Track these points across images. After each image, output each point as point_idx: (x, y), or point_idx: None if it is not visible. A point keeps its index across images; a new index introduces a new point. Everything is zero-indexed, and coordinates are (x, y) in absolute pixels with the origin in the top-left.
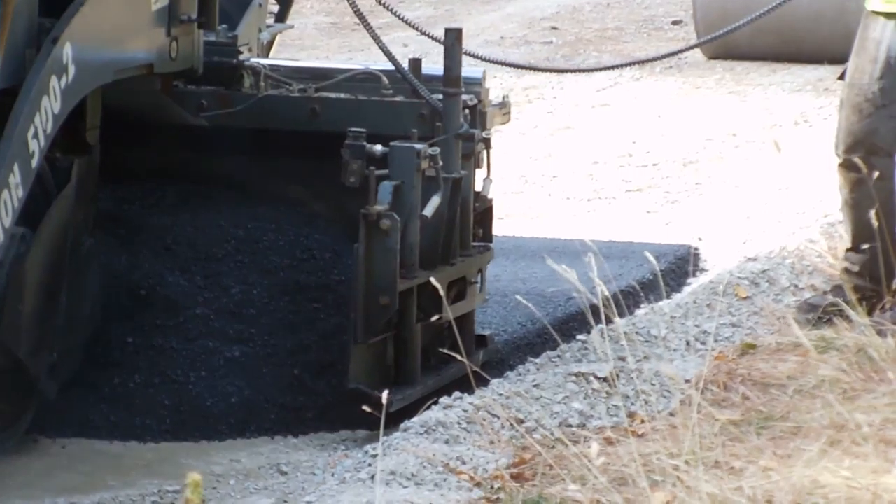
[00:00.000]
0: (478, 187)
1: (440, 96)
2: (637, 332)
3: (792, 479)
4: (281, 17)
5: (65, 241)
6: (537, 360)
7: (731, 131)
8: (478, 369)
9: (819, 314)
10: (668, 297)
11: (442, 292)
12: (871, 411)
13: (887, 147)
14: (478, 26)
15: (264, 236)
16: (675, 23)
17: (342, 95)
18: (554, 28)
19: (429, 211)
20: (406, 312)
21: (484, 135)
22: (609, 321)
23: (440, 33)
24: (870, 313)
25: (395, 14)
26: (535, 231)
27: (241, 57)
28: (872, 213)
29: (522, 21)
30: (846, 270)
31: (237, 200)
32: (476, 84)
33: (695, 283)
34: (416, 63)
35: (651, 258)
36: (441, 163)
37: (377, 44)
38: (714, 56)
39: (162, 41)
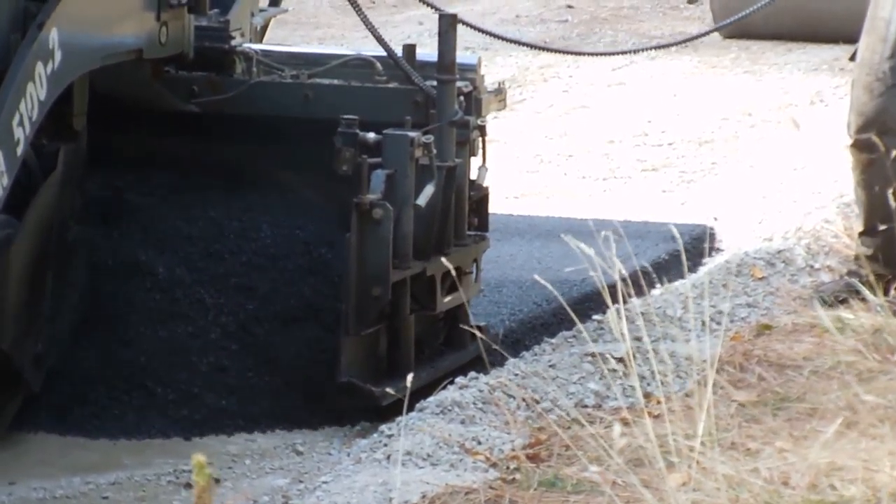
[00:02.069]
0: (473, 175)
1: (435, 83)
2: (653, 313)
3: (808, 460)
4: (275, 0)
5: (51, 229)
6: (553, 340)
7: (746, 111)
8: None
9: (835, 295)
10: (684, 276)
11: (449, 277)
12: (888, 392)
13: None
14: (493, 4)
15: (258, 227)
16: (690, 1)
17: (335, 82)
18: (569, 6)
19: (422, 200)
20: (399, 304)
21: (479, 122)
22: (625, 301)
23: (456, 10)
24: (885, 294)
25: None
26: (550, 210)
27: (233, 42)
28: (886, 193)
29: None
30: (861, 254)
31: (229, 189)
32: (471, 70)
33: (710, 263)
34: (409, 49)
35: (676, 233)
36: (435, 151)
37: (368, 28)
38: (729, 35)
39: (151, 26)
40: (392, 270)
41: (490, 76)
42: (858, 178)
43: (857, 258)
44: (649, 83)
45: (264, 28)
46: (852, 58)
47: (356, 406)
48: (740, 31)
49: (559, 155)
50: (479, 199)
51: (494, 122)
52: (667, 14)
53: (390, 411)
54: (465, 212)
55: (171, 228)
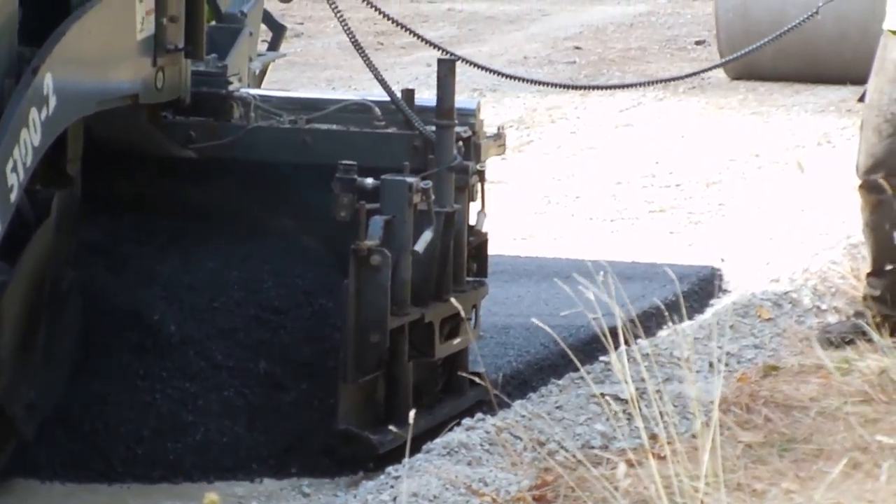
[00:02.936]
0: (472, 221)
1: (434, 128)
2: (660, 354)
3: (814, 501)
4: (274, 45)
5: (45, 275)
6: (560, 382)
7: (753, 152)
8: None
9: (842, 336)
10: (690, 318)
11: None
12: (894, 433)
13: None
14: (501, 46)
15: (257, 276)
16: (698, 43)
17: (333, 127)
18: (577, 48)
19: (420, 246)
20: (397, 350)
21: (478, 167)
22: (632, 342)
23: (464, 52)
24: (892, 335)
25: (414, 34)
26: (558, 252)
27: (231, 87)
28: (894, 234)
29: (546, 41)
30: (868, 296)
31: (228, 236)
32: (470, 115)
33: (718, 305)
34: (409, 93)
35: (673, 276)
36: (433, 196)
37: (372, 72)
38: (737, 77)
39: (147, 71)
40: (390, 317)
41: (498, 117)
42: (867, 219)
43: (864, 299)
44: (657, 124)
45: (263, 73)
46: (861, 99)
47: (354, 454)
48: (748, 72)
49: (567, 196)
50: (478, 244)
51: (502, 163)
52: (674, 55)
53: (389, 459)
54: (463, 257)
55: (170, 278)
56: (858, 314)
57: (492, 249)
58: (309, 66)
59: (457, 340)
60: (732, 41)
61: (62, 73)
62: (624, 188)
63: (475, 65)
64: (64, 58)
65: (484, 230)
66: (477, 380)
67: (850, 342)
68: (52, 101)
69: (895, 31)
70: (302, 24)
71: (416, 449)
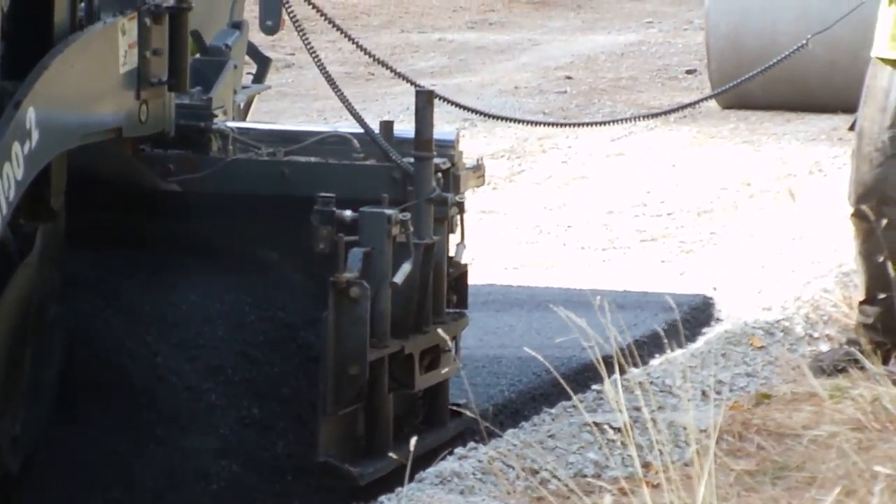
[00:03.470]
0: (452, 252)
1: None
2: (652, 382)
3: None
4: (259, 77)
5: (28, 309)
6: (552, 411)
7: (745, 181)
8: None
9: (834, 364)
10: (683, 346)
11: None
12: (887, 461)
13: None
14: (492, 76)
15: (240, 309)
16: (689, 72)
17: (312, 159)
18: (568, 77)
19: (399, 278)
20: (377, 382)
21: (457, 199)
22: (624, 371)
23: (455, 83)
24: (884, 362)
25: (388, 67)
26: (549, 281)
27: (215, 120)
28: (886, 263)
29: (537, 70)
30: (861, 324)
31: (209, 269)
32: (449, 147)
33: (710, 333)
34: (387, 125)
35: (672, 303)
36: (412, 228)
37: (345, 106)
38: (728, 106)
39: (131, 104)
40: (370, 349)
41: (489, 147)
42: (860, 248)
43: (857, 327)
44: (648, 153)
45: (248, 105)
46: (851, 128)
47: (334, 486)
48: (739, 101)
49: (558, 226)
50: (458, 276)
51: (494, 193)
52: (665, 84)
53: (371, 491)
54: (443, 289)
55: (152, 312)
56: (851, 342)
57: (483, 279)
58: (300, 96)
59: (440, 371)
60: (723, 70)
61: (45, 107)
62: (615, 217)
63: (444, 99)
64: (47, 91)
65: (464, 262)
66: (465, 410)
67: (843, 370)
68: (35, 135)
69: (884, 59)
70: (293, 54)
71: (398, 481)
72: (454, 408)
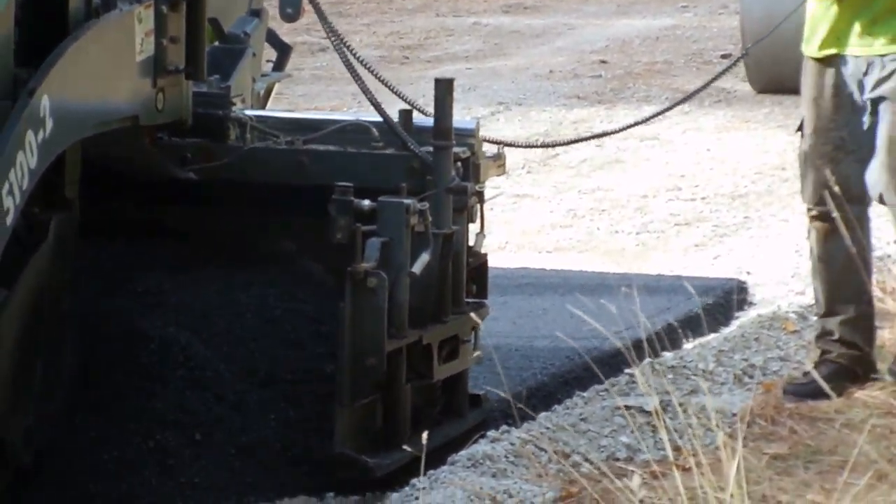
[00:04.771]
0: (472, 241)
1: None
2: (685, 366)
3: None
4: (279, 65)
5: (42, 300)
6: (585, 394)
7: (779, 165)
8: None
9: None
10: (716, 331)
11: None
12: None
13: (859, 194)
14: (527, 60)
15: (260, 300)
16: (723, 56)
17: (330, 148)
18: (603, 62)
19: (418, 268)
20: (395, 373)
21: (477, 188)
22: (657, 355)
23: (490, 66)
24: (865, 376)
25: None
26: (583, 265)
27: (233, 108)
28: (848, 268)
29: (572, 54)
30: (822, 339)
31: (227, 258)
32: (469, 135)
33: (743, 317)
34: (406, 114)
35: (705, 288)
36: (431, 218)
37: (366, 95)
38: (762, 90)
39: (147, 92)
40: (387, 340)
41: (524, 131)
42: (820, 253)
43: (819, 341)
44: (682, 137)
45: (268, 93)
46: (799, 129)
47: (351, 478)
48: (773, 85)
49: (592, 209)
50: (478, 266)
51: (528, 176)
52: (700, 69)
53: (389, 483)
54: (462, 279)
55: (170, 301)
56: (818, 365)
57: (517, 262)
58: (335, 80)
59: (459, 361)
60: (758, 55)
61: (59, 95)
62: (649, 201)
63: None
64: (61, 79)
65: (483, 251)
66: (494, 393)
67: (816, 397)
68: (49, 124)
69: (828, 56)
70: (326, 38)
71: (418, 472)
72: (477, 394)
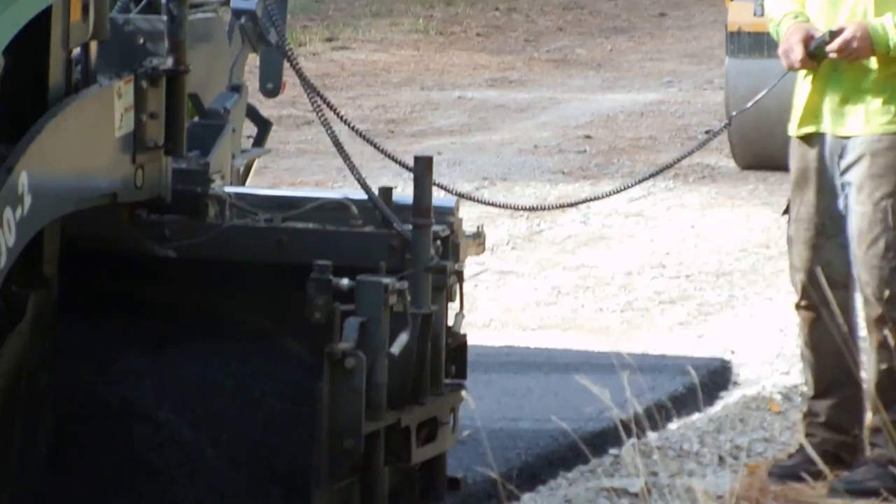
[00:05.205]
0: (451, 321)
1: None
2: (669, 447)
3: None
4: (259, 141)
5: (20, 377)
6: (569, 475)
7: (764, 243)
8: None
9: (791, 472)
10: (701, 410)
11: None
12: None
13: (842, 279)
14: (512, 134)
15: (237, 378)
16: (708, 132)
17: (309, 225)
18: (588, 137)
19: (396, 349)
20: (373, 456)
21: (456, 267)
22: (642, 435)
23: (475, 141)
24: (836, 463)
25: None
26: (568, 343)
27: (212, 185)
28: (837, 353)
29: (556, 129)
30: (810, 423)
31: (206, 337)
32: (449, 213)
33: (728, 397)
34: (386, 191)
35: (690, 367)
36: (410, 298)
37: (351, 172)
38: (747, 166)
39: (126, 169)
40: (365, 422)
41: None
42: (807, 338)
43: (805, 426)
44: (667, 214)
45: (248, 169)
46: (785, 212)
47: None
48: (758, 161)
49: (577, 287)
50: (457, 346)
51: (513, 252)
52: (685, 145)
53: None
54: (441, 360)
55: (148, 380)
56: (801, 450)
57: (502, 340)
58: (320, 154)
59: (434, 445)
60: (743, 131)
61: (38, 172)
62: (634, 279)
63: (440, 186)
64: (40, 156)
65: (462, 332)
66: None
67: (800, 479)
68: (28, 201)
69: (805, 137)
70: (312, 111)
71: None
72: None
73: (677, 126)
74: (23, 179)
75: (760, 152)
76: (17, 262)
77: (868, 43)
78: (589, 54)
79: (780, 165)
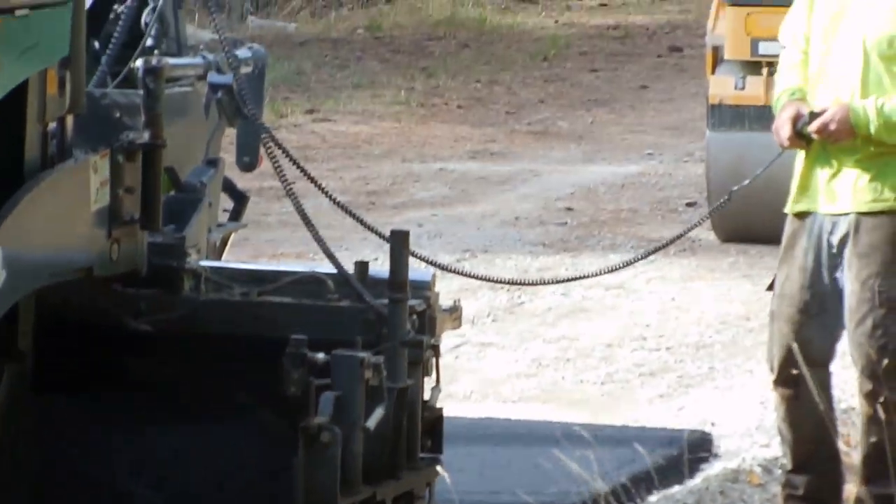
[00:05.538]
0: (427, 395)
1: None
2: None
3: None
4: (235, 215)
5: None
6: None
7: (744, 315)
8: None
9: None
10: (680, 483)
11: None
12: None
13: (822, 358)
14: (493, 206)
15: (212, 453)
16: (689, 205)
17: (285, 300)
18: (569, 209)
19: (372, 423)
20: None
21: (433, 342)
22: None
23: (457, 213)
24: None
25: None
26: (548, 415)
27: (188, 259)
28: (814, 430)
29: (538, 201)
30: (789, 496)
31: (182, 411)
32: (425, 287)
33: (708, 469)
34: (361, 266)
35: (670, 439)
36: (386, 372)
37: (319, 245)
38: (728, 238)
39: (102, 243)
40: (340, 496)
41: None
42: (784, 414)
43: (784, 500)
44: (647, 286)
45: (224, 243)
46: (770, 287)
47: None
48: (739, 234)
49: (557, 359)
50: (433, 420)
51: (493, 324)
52: (665, 217)
53: None
54: (417, 434)
55: (128, 455)
56: None
57: (482, 412)
58: (300, 226)
59: None
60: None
61: (13, 245)
62: (615, 351)
63: (417, 256)
64: (15, 229)
65: (438, 406)
66: None
67: None
68: (2, 274)
69: (799, 214)
70: (294, 183)
71: None
72: None
73: (658, 199)
74: None
75: (741, 225)
76: None
77: (847, 125)
78: (570, 126)
79: (761, 238)
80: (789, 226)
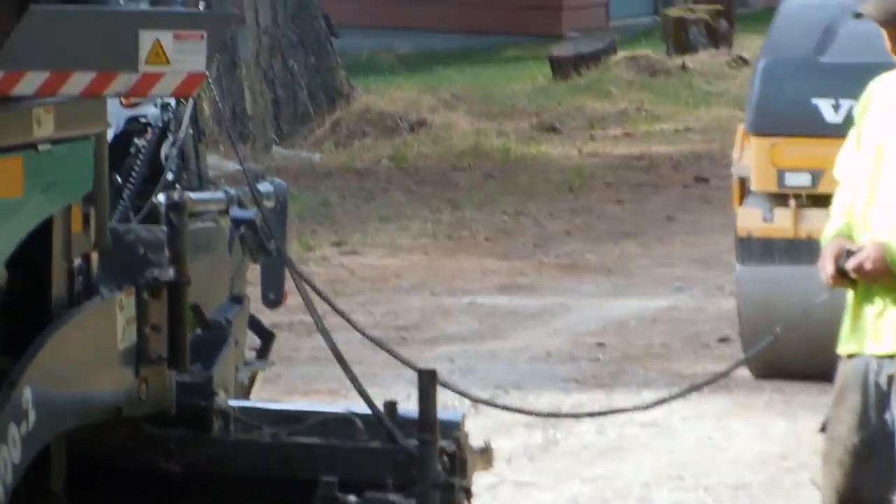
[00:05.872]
0: None
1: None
2: None
3: None
4: (263, 353)
5: None
6: None
7: (782, 454)
8: None
9: None
10: None
11: None
12: None
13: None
14: (524, 341)
15: None
16: (721, 340)
17: (315, 440)
18: (600, 344)
19: None
20: None
21: (464, 483)
22: None
23: (488, 348)
24: None
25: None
26: None
27: (215, 398)
28: None
29: (568, 336)
30: None
31: None
32: (455, 428)
33: None
34: (391, 406)
35: None
36: None
37: (353, 384)
38: (762, 375)
39: (130, 382)
40: None
41: (523, 415)
42: None
43: None
44: (683, 425)
45: (252, 381)
46: (823, 429)
47: None
48: (773, 370)
49: (594, 499)
50: None
51: (529, 464)
52: (698, 353)
53: None
54: None
55: None
56: None
57: None
58: (332, 361)
59: None
60: (756, 340)
61: (42, 386)
62: (652, 490)
63: (446, 385)
64: (43, 370)
65: None
66: None
67: None
68: (32, 416)
69: (850, 354)
70: (324, 318)
71: None
72: None
73: (690, 334)
74: (27, 394)
75: (776, 360)
76: (24, 477)
77: (882, 264)
78: (598, 259)
79: (796, 375)
80: (840, 367)
